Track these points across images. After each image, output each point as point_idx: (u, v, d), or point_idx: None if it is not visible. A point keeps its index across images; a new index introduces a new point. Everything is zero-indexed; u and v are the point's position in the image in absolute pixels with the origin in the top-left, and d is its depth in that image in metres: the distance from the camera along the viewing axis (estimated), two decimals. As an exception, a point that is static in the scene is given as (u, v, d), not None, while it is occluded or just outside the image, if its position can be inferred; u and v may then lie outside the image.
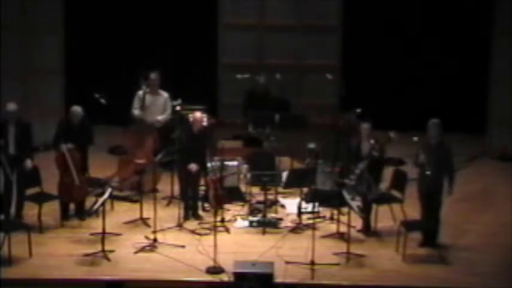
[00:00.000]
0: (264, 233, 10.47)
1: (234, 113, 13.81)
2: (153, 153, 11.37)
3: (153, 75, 12.10)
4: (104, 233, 9.64)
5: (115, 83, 14.32)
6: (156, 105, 12.12)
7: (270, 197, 11.27)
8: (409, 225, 9.90)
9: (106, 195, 9.76)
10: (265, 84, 13.49)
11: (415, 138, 10.03)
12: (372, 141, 10.21)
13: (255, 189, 11.38)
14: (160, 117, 12.12)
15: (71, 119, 10.79)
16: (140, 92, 12.08)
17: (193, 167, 10.76)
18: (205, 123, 11.53)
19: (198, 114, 11.08)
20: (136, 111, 12.04)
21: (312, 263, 9.23)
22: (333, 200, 10.61)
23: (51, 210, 10.76)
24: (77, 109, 10.79)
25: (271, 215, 10.94)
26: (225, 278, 9.02)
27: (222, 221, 10.66)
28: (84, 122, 10.79)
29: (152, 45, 15.19)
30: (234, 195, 11.52)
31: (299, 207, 10.75)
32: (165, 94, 12.19)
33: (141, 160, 11.17)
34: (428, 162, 9.77)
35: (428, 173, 9.73)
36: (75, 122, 10.75)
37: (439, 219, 9.99)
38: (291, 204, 11.36)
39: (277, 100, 13.50)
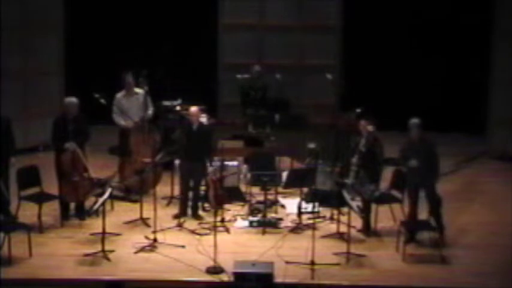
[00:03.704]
0: (264, 233, 10.47)
1: (234, 113, 13.82)
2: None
3: (129, 77, 11.75)
4: (104, 233, 9.65)
5: (115, 83, 14.31)
6: (134, 106, 11.82)
7: (270, 197, 11.27)
8: (409, 225, 9.90)
9: (106, 195, 9.76)
10: (263, 82, 13.51)
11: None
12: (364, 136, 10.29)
13: (255, 189, 11.39)
14: (138, 118, 11.78)
15: (67, 112, 10.68)
16: (118, 95, 11.86)
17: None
18: (203, 119, 11.53)
19: (192, 108, 11.06)
20: (117, 117, 11.80)
21: (312, 263, 9.23)
22: (333, 200, 10.62)
23: (51, 210, 10.76)
24: (72, 100, 10.72)
25: (271, 215, 10.95)
26: (225, 278, 9.02)
27: (222, 221, 10.66)
28: (79, 116, 10.74)
29: (152, 45, 15.19)
30: (234, 195, 11.51)
31: (299, 207, 10.76)
32: (141, 91, 11.84)
33: (148, 159, 11.11)
34: (414, 159, 9.93)
35: (414, 164, 9.91)
36: (72, 115, 10.64)
37: (441, 215, 10.05)
38: (291, 204, 11.36)
39: (275, 100, 13.50)
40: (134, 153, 11.67)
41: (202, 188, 11.62)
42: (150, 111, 11.93)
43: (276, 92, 13.64)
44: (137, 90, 11.85)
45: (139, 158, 11.45)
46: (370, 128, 10.34)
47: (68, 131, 10.55)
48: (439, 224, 10.02)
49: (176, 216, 10.86)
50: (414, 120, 10.08)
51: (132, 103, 11.82)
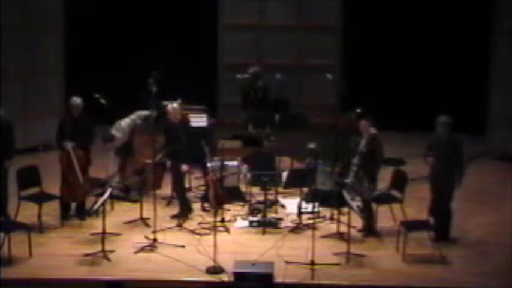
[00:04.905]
0: (264, 233, 10.47)
1: (234, 113, 13.81)
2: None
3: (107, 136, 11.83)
4: (104, 233, 9.65)
5: (115, 83, 14.33)
6: (124, 136, 11.87)
7: (270, 197, 11.27)
8: (409, 225, 9.91)
9: (106, 195, 9.76)
10: (264, 82, 13.49)
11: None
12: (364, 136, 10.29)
13: (255, 189, 11.39)
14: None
15: (71, 112, 10.72)
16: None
17: (183, 167, 10.79)
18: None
19: (169, 106, 11.05)
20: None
21: (312, 263, 9.23)
22: (333, 200, 10.62)
23: (51, 210, 10.76)
24: (77, 100, 10.74)
25: (271, 215, 10.95)
26: (225, 278, 9.02)
27: (222, 221, 10.66)
28: (82, 117, 10.75)
29: (152, 45, 15.19)
30: (234, 195, 11.51)
31: (299, 207, 10.76)
32: (122, 125, 11.89)
33: (149, 160, 11.11)
34: (438, 157, 9.89)
35: (430, 161, 9.92)
36: (76, 115, 10.68)
37: (451, 213, 10.07)
38: (291, 204, 11.36)
39: (275, 100, 13.49)
40: (137, 153, 11.69)
41: (202, 188, 11.67)
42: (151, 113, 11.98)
43: (276, 92, 13.64)
44: (114, 132, 11.86)
45: (142, 158, 11.45)
46: (372, 130, 10.30)
47: (67, 131, 10.55)
48: (448, 221, 10.09)
49: (174, 216, 10.87)
50: (442, 118, 10.01)
51: (122, 136, 11.90)
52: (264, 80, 13.50)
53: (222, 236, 10.06)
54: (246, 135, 13.09)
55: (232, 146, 12.63)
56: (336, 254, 9.70)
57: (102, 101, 11.69)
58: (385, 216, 10.66)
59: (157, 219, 10.27)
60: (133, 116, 11.94)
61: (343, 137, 11.74)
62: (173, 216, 10.89)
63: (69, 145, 10.52)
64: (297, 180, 11.06)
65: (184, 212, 10.91)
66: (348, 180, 10.28)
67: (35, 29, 14.21)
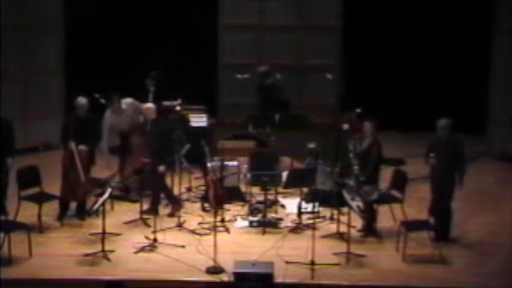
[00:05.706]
0: (264, 233, 10.47)
1: (234, 113, 13.81)
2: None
3: (116, 98, 11.77)
4: (104, 233, 9.65)
5: (115, 83, 14.30)
6: (123, 120, 11.86)
7: (270, 197, 11.27)
8: (409, 225, 9.91)
9: (106, 195, 9.76)
10: (272, 81, 13.45)
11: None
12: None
13: (255, 189, 11.38)
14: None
15: (76, 112, 10.74)
16: (107, 113, 11.83)
17: (160, 168, 10.78)
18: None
19: (145, 105, 11.24)
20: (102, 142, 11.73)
21: (312, 263, 9.23)
22: (333, 200, 10.62)
23: (51, 210, 10.77)
24: (82, 100, 10.75)
25: (271, 215, 10.95)
26: (225, 278, 9.02)
27: (222, 221, 10.66)
28: (91, 117, 10.76)
29: (152, 45, 15.17)
30: (234, 195, 11.51)
31: (299, 207, 10.76)
32: (129, 100, 11.92)
33: (148, 159, 11.11)
34: (439, 157, 9.88)
35: (432, 161, 9.87)
36: (82, 115, 10.69)
37: (451, 213, 10.08)
38: (291, 204, 11.36)
39: (276, 100, 13.49)
40: (136, 153, 11.67)
41: (202, 188, 11.66)
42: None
43: (276, 92, 13.63)
44: (123, 104, 11.84)
45: (141, 158, 11.44)
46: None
47: (71, 130, 10.57)
48: (448, 220, 10.08)
49: (170, 215, 10.87)
50: (442, 121, 10.01)
51: (120, 118, 11.83)
52: (273, 78, 13.44)
53: (222, 236, 10.06)
54: (246, 135, 13.06)
55: (234, 146, 12.61)
56: (336, 254, 9.71)
57: (102, 101, 11.69)
58: (385, 216, 10.66)
59: (157, 219, 10.27)
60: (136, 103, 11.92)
61: (343, 137, 11.74)
62: (169, 215, 10.89)
63: (72, 144, 10.52)
64: (297, 180, 11.06)
65: (177, 207, 10.90)
66: (350, 181, 10.28)
67: (35, 29, 14.20)
